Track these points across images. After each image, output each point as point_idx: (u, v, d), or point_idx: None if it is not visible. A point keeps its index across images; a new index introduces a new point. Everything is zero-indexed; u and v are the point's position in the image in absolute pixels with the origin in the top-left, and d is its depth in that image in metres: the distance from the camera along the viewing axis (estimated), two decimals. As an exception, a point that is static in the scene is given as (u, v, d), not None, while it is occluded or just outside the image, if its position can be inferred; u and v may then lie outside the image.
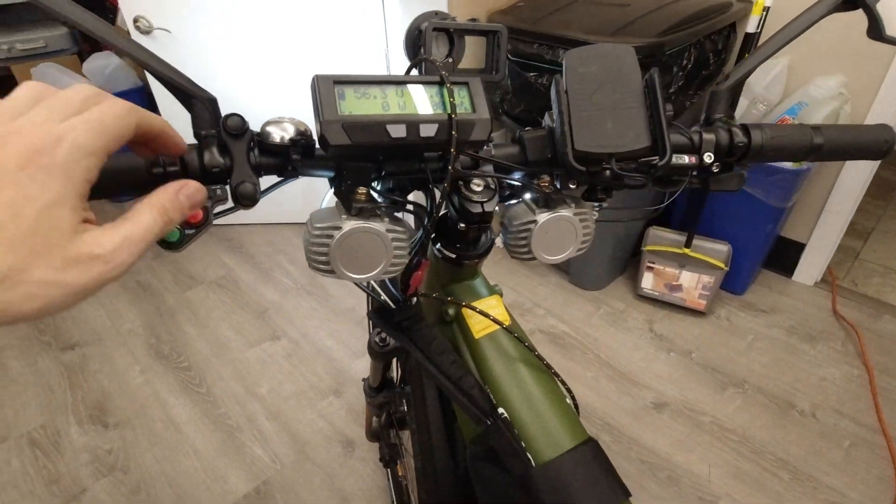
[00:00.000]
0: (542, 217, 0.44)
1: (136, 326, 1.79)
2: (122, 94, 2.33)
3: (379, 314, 0.50)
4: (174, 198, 0.29)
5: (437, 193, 0.43)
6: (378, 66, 1.89)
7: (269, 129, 0.38)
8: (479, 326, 0.50)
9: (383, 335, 0.65)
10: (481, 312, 0.48)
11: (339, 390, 1.54)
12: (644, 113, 0.42)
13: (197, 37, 1.90)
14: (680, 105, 1.57)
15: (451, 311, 0.51)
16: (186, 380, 1.59)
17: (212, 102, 0.37)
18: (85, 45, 3.23)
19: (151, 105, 2.35)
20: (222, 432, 1.43)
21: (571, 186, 0.46)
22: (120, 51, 0.35)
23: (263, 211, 2.28)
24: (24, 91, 0.25)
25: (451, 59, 0.52)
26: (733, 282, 1.86)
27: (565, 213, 0.45)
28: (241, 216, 2.27)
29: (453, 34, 0.51)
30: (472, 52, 0.54)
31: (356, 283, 0.45)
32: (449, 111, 0.38)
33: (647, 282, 1.83)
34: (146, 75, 2.03)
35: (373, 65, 1.90)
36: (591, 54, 0.43)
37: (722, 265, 1.69)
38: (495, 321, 0.48)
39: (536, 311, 1.85)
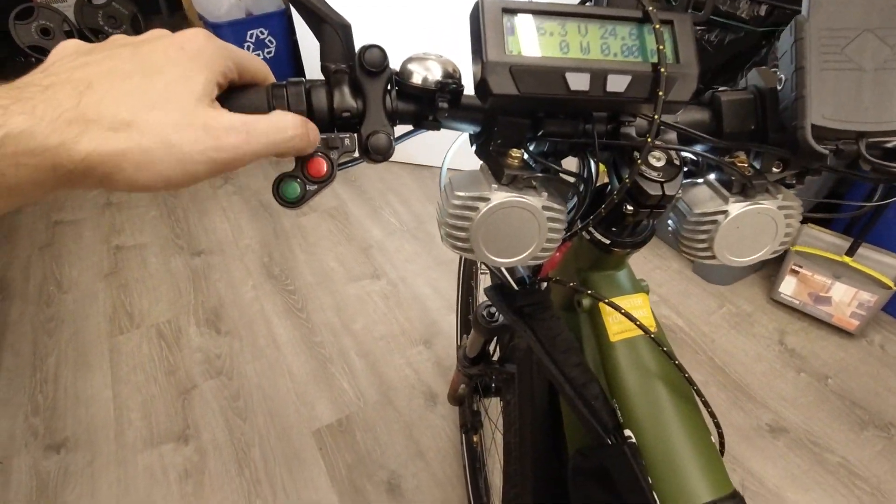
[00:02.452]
0: (736, 208, 0.34)
1: (254, 243, 1.90)
2: (265, 17, 2.40)
3: (499, 294, 0.43)
4: (303, 127, 0.29)
5: (592, 163, 0.35)
6: None
7: (411, 67, 0.31)
8: (617, 328, 0.41)
9: (493, 310, 0.59)
10: (626, 314, 0.39)
11: (429, 341, 1.53)
12: None
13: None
14: None
15: (585, 303, 0.43)
16: (291, 303, 1.66)
17: (345, 29, 0.30)
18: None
19: (290, 30, 2.41)
20: (316, 360, 1.48)
21: (775, 170, 0.35)
22: None
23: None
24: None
25: None
26: (899, 306, 1.57)
27: (768, 204, 0.34)
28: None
29: None
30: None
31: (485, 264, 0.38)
32: (652, 59, 0.28)
33: (788, 287, 1.60)
34: None
35: None
36: None
37: (891, 284, 1.42)
38: (641, 327, 0.39)
39: (650, 297, 1.69)
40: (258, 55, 2.53)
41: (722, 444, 0.40)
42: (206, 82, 0.26)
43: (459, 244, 0.32)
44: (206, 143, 0.25)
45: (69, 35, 3.24)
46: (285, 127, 0.28)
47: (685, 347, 1.53)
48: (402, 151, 2.25)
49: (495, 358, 0.76)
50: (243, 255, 1.85)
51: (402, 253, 1.84)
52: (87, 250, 1.87)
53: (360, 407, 1.36)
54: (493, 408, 1.13)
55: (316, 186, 0.31)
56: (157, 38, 0.28)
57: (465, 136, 0.39)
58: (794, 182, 0.38)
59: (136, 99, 0.24)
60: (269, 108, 0.30)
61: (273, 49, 2.45)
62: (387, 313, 1.62)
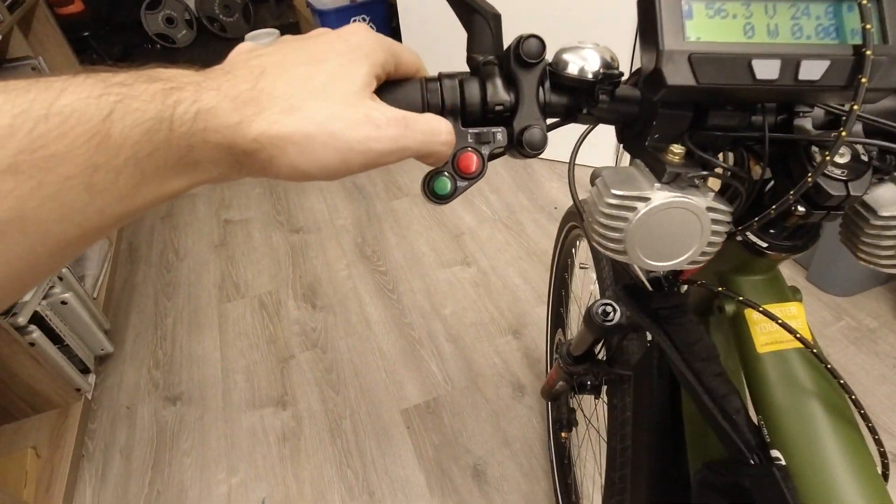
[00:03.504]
0: None
1: (348, 224, 1.97)
2: (368, 4, 2.45)
3: (633, 294, 0.41)
4: (451, 134, 0.29)
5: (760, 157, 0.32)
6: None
7: (566, 57, 0.30)
8: (765, 338, 0.38)
9: (609, 309, 0.57)
10: (784, 325, 0.36)
11: (518, 331, 1.52)
12: None
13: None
14: None
15: (727, 308, 0.40)
16: (382, 283, 1.71)
17: (496, 20, 0.29)
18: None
19: (391, 17, 2.45)
20: (405, 341, 1.52)
21: None
22: None
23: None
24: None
25: None
26: None
27: None
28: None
29: None
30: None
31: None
32: (854, 40, 0.25)
33: (923, 304, 1.42)
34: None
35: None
36: None
37: None
38: (801, 340, 0.36)
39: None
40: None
41: (886, 474, 0.37)
42: (366, 74, 0.27)
43: (612, 245, 0.31)
44: (366, 132, 0.26)
45: (189, 24, 3.50)
46: (439, 130, 0.28)
47: (795, 360, 1.41)
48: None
49: (600, 357, 0.73)
50: (338, 234, 1.93)
51: (494, 241, 1.83)
52: (201, 222, 2.04)
53: (448, 391, 1.38)
54: (584, 405, 1.10)
55: (466, 182, 0.30)
56: (323, 34, 0.29)
57: (599, 128, 0.38)
58: None
59: (303, 86, 0.25)
60: (423, 101, 0.30)
61: (374, 35, 2.51)
62: (476, 301, 1.62)
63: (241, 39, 3.08)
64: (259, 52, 0.28)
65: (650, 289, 0.42)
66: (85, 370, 1.41)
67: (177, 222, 2.04)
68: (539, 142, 0.29)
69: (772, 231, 0.36)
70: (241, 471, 1.25)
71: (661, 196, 0.29)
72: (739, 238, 0.38)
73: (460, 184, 0.30)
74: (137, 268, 1.85)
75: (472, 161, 0.30)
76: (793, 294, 0.40)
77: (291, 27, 3.49)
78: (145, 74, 0.23)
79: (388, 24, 2.55)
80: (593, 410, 1.02)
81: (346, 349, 1.52)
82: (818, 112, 0.31)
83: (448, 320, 1.57)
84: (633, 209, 0.29)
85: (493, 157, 0.31)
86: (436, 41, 1.91)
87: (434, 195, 0.30)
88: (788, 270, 1.66)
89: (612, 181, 0.30)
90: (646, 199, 0.29)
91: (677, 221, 0.29)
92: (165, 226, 2.03)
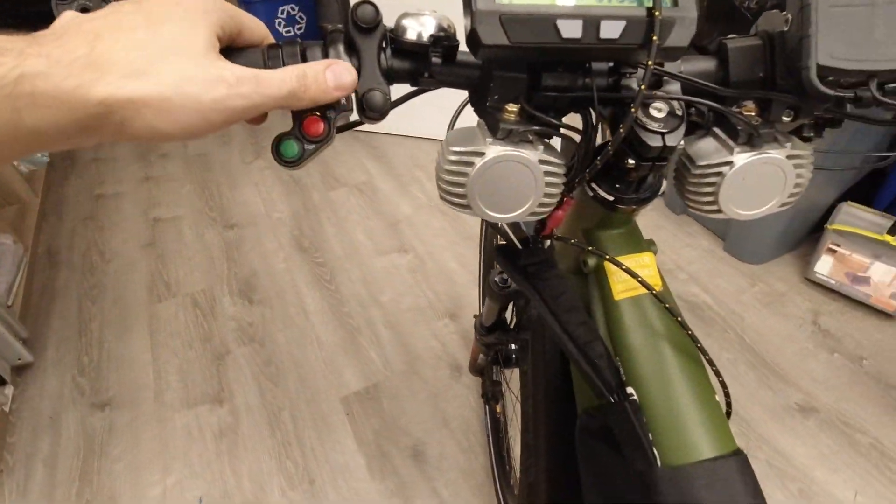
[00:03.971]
0: (742, 158, 0.33)
1: (285, 216, 1.94)
2: (297, -7, 2.40)
3: (504, 254, 0.44)
4: (320, 70, 0.30)
5: (594, 116, 0.35)
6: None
7: (405, 22, 0.31)
8: (621, 286, 0.41)
9: (506, 276, 0.59)
10: (628, 271, 0.39)
11: (455, 314, 1.55)
12: None
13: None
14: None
15: (590, 262, 0.44)
16: (320, 274, 1.70)
17: None
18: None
19: (322, 7, 2.41)
20: (344, 330, 1.52)
21: (786, 119, 0.35)
22: None
23: (407, 123, 2.28)
24: None
25: None
26: (945, 287, 1.50)
27: (775, 154, 0.34)
28: (389, 125, 2.30)
29: None
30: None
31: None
32: (648, 3, 0.28)
33: (824, 266, 1.55)
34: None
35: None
36: None
37: (936, 264, 1.36)
38: (644, 284, 0.39)
39: (678, 274, 1.66)
40: (289, 31, 2.54)
41: (728, 403, 0.40)
42: (209, 34, 0.27)
43: (457, 200, 0.33)
44: (221, 91, 0.26)
45: (109, 14, 3.33)
46: (288, 78, 0.29)
47: (714, 326, 1.51)
48: (429, 127, 2.25)
49: (512, 326, 0.77)
50: (275, 227, 1.90)
51: (430, 228, 1.85)
52: (128, 222, 1.95)
53: (387, 376, 1.40)
54: (514, 378, 1.14)
55: (314, 146, 0.31)
56: None
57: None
58: (811, 135, 0.37)
59: (146, 49, 0.25)
60: (265, 68, 0.31)
61: (304, 24, 2.47)
62: (414, 286, 1.64)
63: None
64: (91, 16, 0.27)
65: (519, 247, 0.44)
66: (0, 382, 1.33)
67: (101, 223, 1.95)
68: (380, 104, 0.31)
69: (617, 186, 0.39)
70: (175, 471, 1.23)
71: (494, 150, 0.31)
72: (591, 194, 0.41)
73: (308, 147, 0.31)
74: (58, 272, 1.76)
75: (318, 125, 0.31)
76: (648, 245, 0.44)
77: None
78: None
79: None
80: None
81: (285, 341, 1.50)
82: (642, 72, 0.34)
83: (386, 307, 1.58)
84: (471, 164, 0.31)
85: (340, 123, 0.33)
86: None
87: (282, 158, 0.31)
88: (707, 242, 1.76)
89: (453, 140, 0.32)
90: (481, 154, 0.31)
91: (513, 174, 0.32)
92: (88, 227, 1.93)
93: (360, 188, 2.07)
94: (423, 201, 1.97)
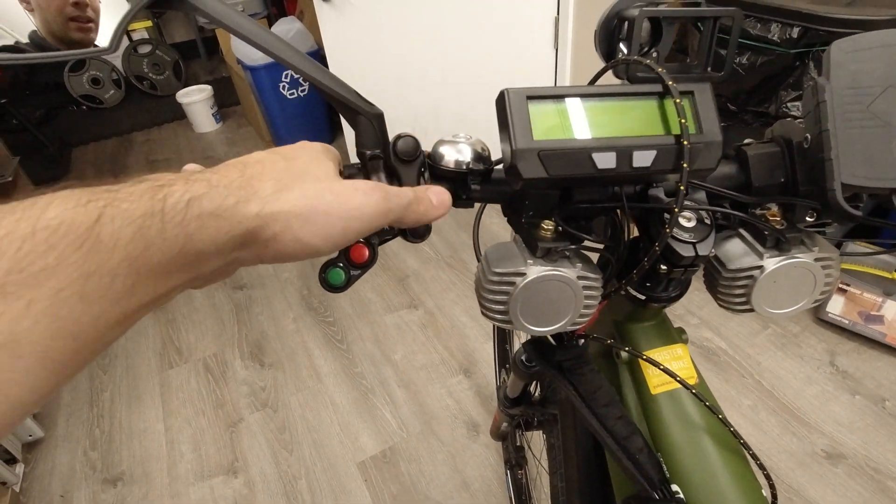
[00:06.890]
0: (772, 263, 0.35)
1: (293, 276, 1.95)
2: (300, 58, 2.49)
3: (537, 349, 0.45)
4: (422, 190, 0.32)
5: (625, 229, 0.36)
6: (544, 34, 1.78)
7: (442, 150, 0.33)
8: (657, 380, 0.42)
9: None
10: (665, 370, 0.40)
11: (469, 370, 1.54)
12: None
13: (376, 11, 1.94)
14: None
15: (623, 354, 0.44)
16: (330, 334, 1.70)
17: (378, 119, 0.33)
18: (273, 9, 3.52)
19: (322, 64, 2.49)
20: (357, 391, 1.51)
21: (808, 219, 0.36)
22: (282, 61, 0.32)
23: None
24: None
25: (655, 54, 0.41)
26: (959, 322, 1.49)
27: (804, 258, 0.35)
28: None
29: (661, 22, 0.39)
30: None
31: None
32: (675, 131, 0.30)
33: (836, 306, 1.54)
34: (322, 39, 2.14)
35: (538, 41, 1.79)
36: (871, 44, 0.31)
37: (948, 301, 1.36)
38: (682, 382, 0.40)
39: (690, 319, 1.66)
40: (293, 94, 2.60)
41: (774, 496, 0.40)
42: (332, 164, 0.31)
43: (499, 316, 0.34)
44: (358, 198, 0.28)
45: (117, 84, 3.44)
46: (404, 192, 0.31)
47: (730, 371, 1.49)
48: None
49: (537, 396, 0.76)
50: (283, 288, 1.91)
51: (439, 282, 1.86)
52: (138, 288, 1.96)
53: (404, 437, 1.37)
54: (535, 439, 1.12)
55: (359, 271, 0.33)
56: (284, 147, 0.32)
57: (490, 206, 0.41)
58: (831, 230, 0.38)
59: (288, 173, 0.28)
60: None
61: (307, 87, 2.55)
62: (426, 343, 1.63)
63: (174, 97, 3.05)
64: (234, 160, 0.30)
65: (553, 343, 0.45)
66: (11, 460, 1.31)
67: (111, 289, 1.96)
68: (422, 231, 0.32)
69: (648, 285, 0.40)
70: (191, 550, 1.19)
71: (535, 270, 0.32)
72: (623, 292, 0.41)
73: (353, 272, 0.33)
74: (70, 342, 1.75)
75: (363, 252, 0.32)
76: (678, 335, 0.45)
77: (224, 82, 3.43)
78: (131, 180, 0.24)
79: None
80: (542, 448, 1.04)
81: (298, 405, 1.49)
82: (668, 186, 0.36)
83: (399, 365, 1.57)
84: (513, 283, 0.32)
85: (382, 243, 0.34)
86: (365, 95, 1.96)
87: (330, 285, 0.32)
88: (716, 285, 1.76)
89: (493, 259, 0.33)
90: (522, 274, 0.32)
91: (553, 291, 0.33)
92: (99, 294, 1.94)
93: (367, 243, 2.08)
94: (430, 255, 1.99)
